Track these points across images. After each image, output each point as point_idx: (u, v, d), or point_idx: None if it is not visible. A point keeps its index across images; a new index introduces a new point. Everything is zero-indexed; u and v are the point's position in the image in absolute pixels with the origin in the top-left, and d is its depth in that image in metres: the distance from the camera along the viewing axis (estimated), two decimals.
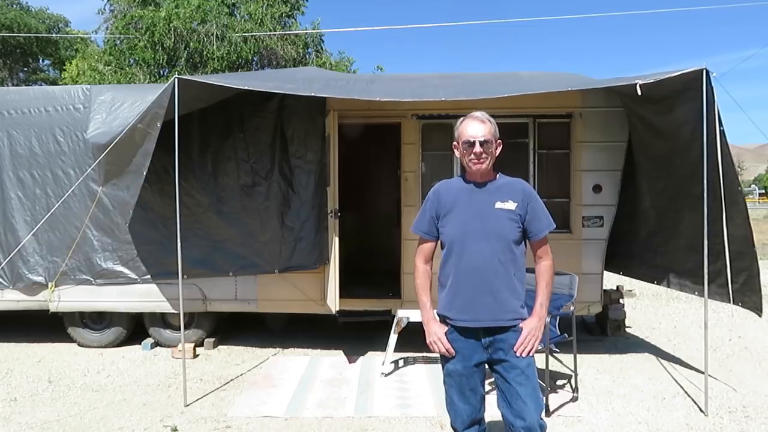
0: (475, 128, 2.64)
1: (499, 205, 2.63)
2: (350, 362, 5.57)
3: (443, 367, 2.75)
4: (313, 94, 4.71)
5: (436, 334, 2.68)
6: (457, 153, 2.75)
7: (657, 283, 5.72)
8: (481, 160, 2.63)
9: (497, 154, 2.71)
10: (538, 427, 2.57)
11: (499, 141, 2.71)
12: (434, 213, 2.74)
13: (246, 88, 4.94)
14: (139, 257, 5.80)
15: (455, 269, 2.65)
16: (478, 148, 2.61)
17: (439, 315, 2.72)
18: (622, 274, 6.24)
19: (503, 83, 5.33)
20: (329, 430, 4.08)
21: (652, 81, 4.26)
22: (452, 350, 2.66)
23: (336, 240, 5.48)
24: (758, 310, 4.71)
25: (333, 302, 5.40)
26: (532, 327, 2.60)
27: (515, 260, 2.63)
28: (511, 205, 2.63)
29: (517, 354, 2.58)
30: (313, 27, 16.79)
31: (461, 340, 2.65)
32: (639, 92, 4.19)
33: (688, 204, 5.02)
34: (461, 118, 2.74)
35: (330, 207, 5.56)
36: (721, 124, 4.28)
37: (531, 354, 2.62)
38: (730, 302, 4.88)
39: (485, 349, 2.65)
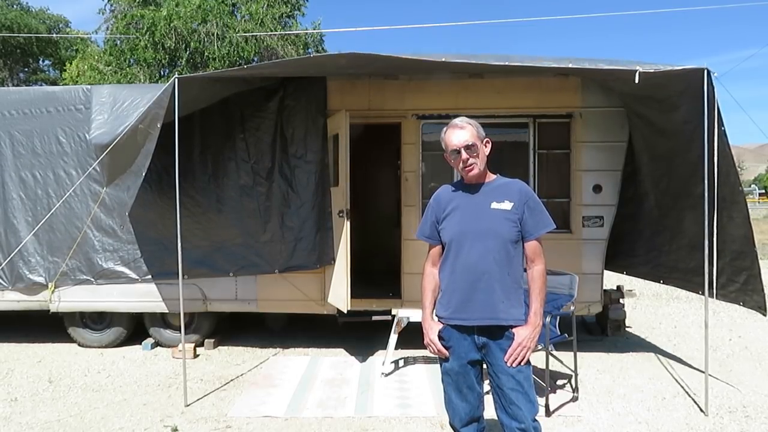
0: (457, 136, 2.66)
1: (495, 205, 2.64)
2: (355, 362, 5.57)
3: (441, 366, 2.76)
4: (312, 54, 4.68)
5: (430, 336, 2.72)
6: (449, 163, 2.78)
7: (663, 282, 5.72)
8: (472, 166, 2.65)
9: (488, 153, 2.71)
10: (533, 429, 2.58)
11: (487, 140, 2.72)
12: (435, 218, 2.77)
13: (243, 70, 4.90)
14: (139, 257, 5.81)
15: (451, 269, 2.67)
16: (464, 155, 2.63)
17: (437, 316, 2.74)
18: (626, 274, 6.25)
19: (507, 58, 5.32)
20: (329, 430, 4.08)
21: (651, 71, 4.25)
22: (445, 352, 2.68)
23: (347, 240, 5.47)
24: (762, 309, 4.70)
25: (344, 302, 5.39)
26: (525, 336, 2.58)
27: (511, 260, 2.63)
28: (507, 206, 2.63)
29: (508, 364, 2.58)
30: (314, 27, 16.82)
31: (456, 339, 2.67)
32: (637, 80, 4.17)
33: (689, 203, 5.02)
34: (444, 129, 2.76)
35: (340, 207, 5.55)
36: (722, 125, 4.29)
37: (522, 363, 2.61)
38: (732, 302, 4.89)
39: (479, 350, 2.66)
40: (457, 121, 2.72)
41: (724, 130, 4.30)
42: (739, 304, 4.84)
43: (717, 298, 5.02)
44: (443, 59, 4.60)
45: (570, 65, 4.68)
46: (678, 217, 5.26)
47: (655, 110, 5.16)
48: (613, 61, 4.69)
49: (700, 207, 4.64)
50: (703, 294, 5.08)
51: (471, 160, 2.64)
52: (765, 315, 4.75)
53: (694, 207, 4.93)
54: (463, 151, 2.63)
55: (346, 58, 4.78)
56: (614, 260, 6.05)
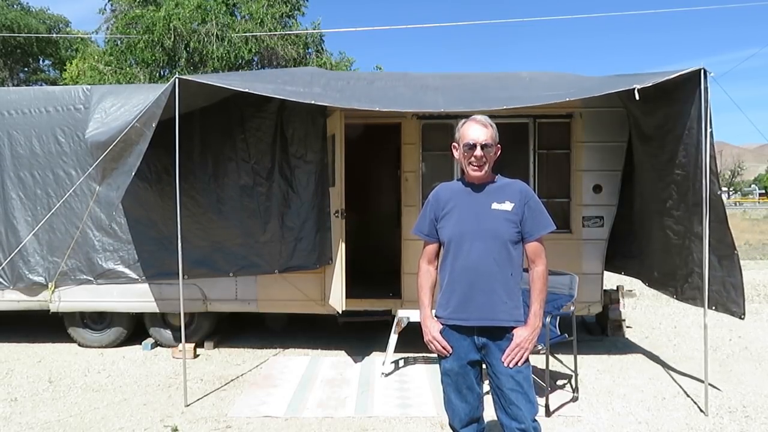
0: (478, 132, 2.64)
1: (495, 206, 2.64)
2: (355, 362, 5.58)
3: (440, 367, 2.76)
4: (312, 102, 4.69)
5: (431, 333, 2.70)
6: (456, 154, 2.75)
7: (649, 285, 5.71)
8: (481, 166, 2.64)
9: (495, 159, 2.71)
10: (533, 429, 2.59)
11: (498, 145, 2.71)
12: (433, 215, 2.76)
13: (246, 90, 4.90)
14: (139, 257, 5.81)
15: (451, 269, 2.67)
16: (479, 152, 2.61)
17: (436, 316, 2.74)
18: (623, 274, 6.24)
19: (503, 86, 5.32)
20: (329, 430, 4.08)
21: (650, 84, 4.25)
22: (448, 348, 2.67)
23: (342, 240, 5.48)
24: (738, 314, 4.49)
25: (339, 302, 5.39)
26: (524, 337, 2.58)
27: (511, 261, 2.63)
28: (507, 206, 2.63)
29: (505, 365, 2.58)
30: (314, 27, 16.81)
31: (455, 339, 2.67)
32: (637, 97, 4.19)
33: (656, 208, 5.01)
34: (463, 120, 2.74)
35: (336, 207, 5.55)
36: (709, 126, 4.24)
37: (520, 364, 2.60)
38: (704, 306, 4.80)
39: (479, 350, 2.66)
40: (480, 117, 2.70)
41: (712, 132, 4.24)
42: (712, 309, 4.66)
43: (687, 302, 4.95)
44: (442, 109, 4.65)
45: (567, 98, 4.68)
46: (651, 220, 5.25)
47: (642, 110, 5.15)
48: (611, 84, 4.69)
49: (666, 212, 4.63)
50: (676, 298, 5.07)
51: (484, 160, 2.63)
52: (742, 319, 4.57)
53: (661, 212, 4.90)
54: (478, 148, 2.61)
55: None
56: (612, 261, 6.04)
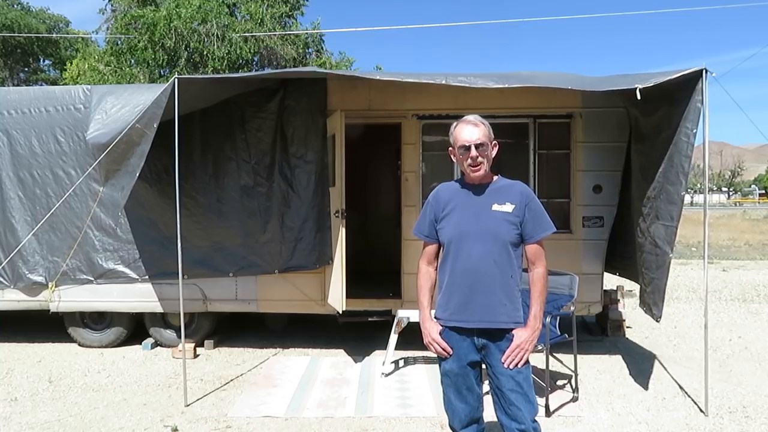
0: (469, 132, 2.62)
1: (496, 207, 2.63)
2: (355, 362, 5.58)
3: (440, 368, 2.76)
4: (313, 72, 4.72)
5: (431, 335, 2.69)
6: (453, 159, 2.74)
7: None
8: (479, 165, 2.62)
9: (494, 156, 2.69)
10: (532, 430, 2.58)
11: (495, 142, 2.69)
12: (433, 216, 2.75)
13: (243, 75, 4.95)
14: (140, 257, 5.82)
15: (451, 270, 2.66)
16: (474, 152, 2.60)
17: (435, 317, 2.73)
18: (619, 276, 6.23)
19: (504, 78, 5.34)
20: (329, 430, 4.08)
21: (651, 84, 4.24)
22: (449, 349, 2.66)
23: (342, 240, 5.49)
24: (656, 317, 4.55)
25: (339, 302, 5.40)
26: (523, 339, 2.58)
27: (511, 262, 2.62)
28: (508, 207, 2.62)
29: (504, 366, 2.58)
30: (314, 27, 16.83)
31: (455, 340, 2.66)
32: (638, 96, 4.18)
33: (637, 207, 5.02)
34: (454, 124, 2.72)
35: (336, 207, 5.56)
36: (695, 127, 4.23)
37: (519, 365, 2.60)
38: (642, 306, 4.84)
39: (479, 351, 2.66)
40: (470, 117, 2.68)
41: (695, 133, 4.23)
42: (643, 310, 4.75)
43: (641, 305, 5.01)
44: (444, 81, 4.71)
45: (570, 87, 4.69)
46: (636, 221, 5.26)
47: (641, 110, 5.14)
48: (612, 82, 4.69)
49: (643, 212, 4.63)
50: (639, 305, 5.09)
51: (480, 159, 2.61)
52: (658, 321, 4.65)
53: (641, 211, 4.91)
54: (473, 149, 2.59)
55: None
56: (610, 262, 6.02)
